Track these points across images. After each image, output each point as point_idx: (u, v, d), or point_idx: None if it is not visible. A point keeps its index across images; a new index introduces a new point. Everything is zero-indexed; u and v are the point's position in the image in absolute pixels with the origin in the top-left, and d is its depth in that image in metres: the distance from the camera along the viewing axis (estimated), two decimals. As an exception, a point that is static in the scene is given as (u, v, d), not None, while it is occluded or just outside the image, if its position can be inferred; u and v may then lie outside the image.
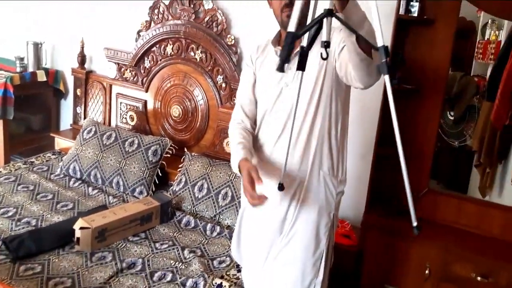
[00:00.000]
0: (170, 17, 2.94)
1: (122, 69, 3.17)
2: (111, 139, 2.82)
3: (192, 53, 2.89)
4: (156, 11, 2.98)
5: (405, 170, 0.87)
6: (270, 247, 1.60)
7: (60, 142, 3.30)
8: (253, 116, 1.68)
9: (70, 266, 1.94)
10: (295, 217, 1.55)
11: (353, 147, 2.41)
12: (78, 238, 2.05)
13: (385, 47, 0.94)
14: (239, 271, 2.01)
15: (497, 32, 2.30)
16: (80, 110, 3.39)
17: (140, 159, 2.71)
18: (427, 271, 2.14)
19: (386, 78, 0.93)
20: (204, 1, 2.80)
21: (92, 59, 3.39)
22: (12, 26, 3.73)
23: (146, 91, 3.12)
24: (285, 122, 1.53)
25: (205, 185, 2.53)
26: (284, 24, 1.46)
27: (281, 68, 0.99)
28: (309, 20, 1.04)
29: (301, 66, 1.04)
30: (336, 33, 1.44)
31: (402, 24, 2.22)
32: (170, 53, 2.97)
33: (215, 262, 2.09)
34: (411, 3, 2.19)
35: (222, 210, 2.46)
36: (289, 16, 1.39)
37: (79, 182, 2.76)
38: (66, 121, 3.62)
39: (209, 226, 2.38)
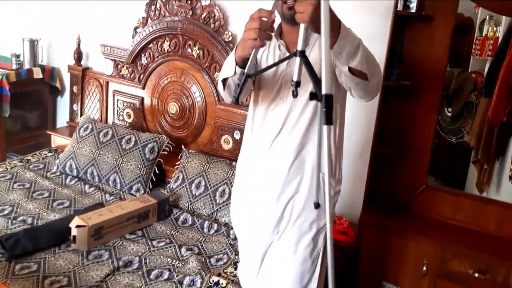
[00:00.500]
0: (167, 14, 2.92)
1: (119, 66, 3.15)
2: (107, 137, 2.80)
3: (189, 50, 2.87)
4: (153, 7, 2.96)
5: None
6: (266, 247, 1.59)
7: (57, 140, 3.28)
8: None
9: (66, 264, 1.93)
10: (292, 217, 1.54)
11: (351, 146, 2.41)
12: (74, 236, 2.04)
13: (326, 96, 0.97)
14: (236, 268, 2.00)
15: (495, 28, 2.29)
16: (76, 107, 3.37)
17: (137, 156, 2.70)
18: (424, 268, 2.13)
19: (324, 128, 0.97)
20: (201, -3, 2.78)
21: (89, 56, 3.37)
22: (8, 23, 3.71)
23: (143, 88, 3.10)
24: (284, 121, 1.51)
25: (203, 183, 2.52)
26: (285, 16, 1.44)
27: (236, 102, 1.18)
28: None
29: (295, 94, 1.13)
30: None
31: (400, 21, 2.21)
32: (167, 49, 2.95)
33: (212, 260, 2.08)
34: (409, -1, 2.18)
35: (220, 208, 2.45)
36: (290, 8, 1.37)
37: (76, 179, 2.75)
38: (62, 118, 3.60)
39: (206, 223, 2.37)
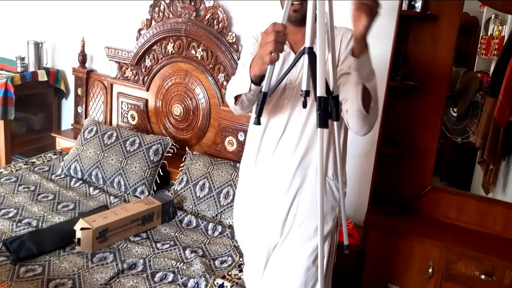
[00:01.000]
0: (171, 15, 2.92)
1: (123, 68, 3.16)
2: (112, 139, 2.80)
3: (193, 51, 2.87)
4: (156, 9, 2.96)
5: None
6: (271, 249, 1.58)
7: (61, 142, 3.29)
8: None
9: (70, 267, 1.93)
10: (296, 221, 1.53)
11: (356, 146, 2.40)
12: (79, 239, 2.04)
13: (320, 98, 0.96)
14: (240, 271, 2.00)
15: (500, 27, 2.27)
16: (81, 109, 3.38)
17: (141, 158, 2.70)
18: (430, 270, 2.12)
19: (319, 130, 0.96)
20: (204, -2, 2.78)
21: (93, 58, 3.38)
22: (12, 25, 3.72)
23: (147, 90, 3.10)
24: (287, 121, 1.49)
25: (207, 184, 2.52)
26: (290, 18, 1.43)
27: (258, 122, 1.17)
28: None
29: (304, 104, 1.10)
30: (344, 36, 1.46)
31: (405, 20, 2.19)
32: (171, 51, 2.95)
33: (216, 262, 2.07)
34: (414, -2, 2.17)
35: (224, 210, 2.44)
36: (295, 11, 1.39)
37: (80, 182, 2.75)
38: (67, 120, 3.61)
39: (210, 225, 2.37)
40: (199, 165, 2.61)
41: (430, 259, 2.12)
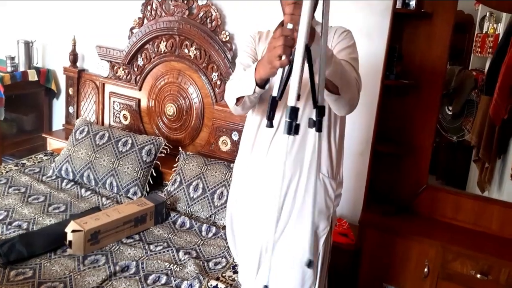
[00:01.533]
0: (163, 14, 2.89)
1: (115, 67, 3.12)
2: (104, 139, 2.77)
3: (186, 50, 2.84)
4: (149, 7, 2.92)
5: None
6: (264, 246, 1.56)
7: (52, 143, 3.25)
8: None
9: (62, 270, 1.89)
10: (291, 219, 1.51)
11: (351, 145, 2.38)
12: (70, 242, 2.00)
13: (293, 108, 0.94)
14: (235, 272, 1.97)
15: (495, 25, 2.26)
16: (72, 109, 3.33)
17: (134, 159, 2.66)
18: (426, 269, 2.11)
19: (285, 137, 0.95)
20: (197, -3, 2.75)
21: (84, 57, 3.34)
22: (2, 24, 3.67)
23: (140, 89, 3.07)
24: (280, 119, 1.47)
25: (200, 185, 2.49)
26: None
27: (270, 125, 1.08)
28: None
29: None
30: (335, 35, 1.47)
31: (399, 18, 2.18)
32: (164, 50, 2.92)
33: (210, 264, 2.05)
34: (408, -4, 2.15)
35: (218, 210, 2.42)
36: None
37: (72, 183, 2.71)
38: (58, 121, 3.57)
39: (204, 226, 2.34)
40: (193, 165, 2.58)
41: (426, 258, 2.11)
